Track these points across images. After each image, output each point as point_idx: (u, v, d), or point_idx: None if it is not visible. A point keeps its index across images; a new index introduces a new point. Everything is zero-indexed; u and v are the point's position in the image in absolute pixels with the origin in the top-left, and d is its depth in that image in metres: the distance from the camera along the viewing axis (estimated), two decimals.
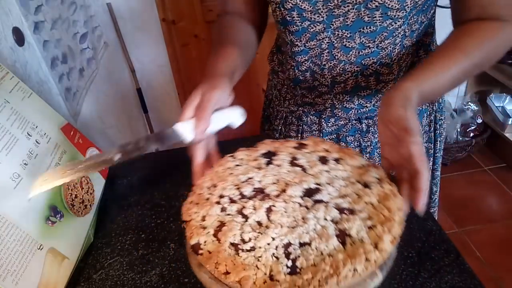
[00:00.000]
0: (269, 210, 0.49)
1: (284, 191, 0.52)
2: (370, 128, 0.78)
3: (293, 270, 0.43)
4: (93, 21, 1.32)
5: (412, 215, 0.57)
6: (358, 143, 0.80)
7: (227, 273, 0.43)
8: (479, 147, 2.10)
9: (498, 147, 2.11)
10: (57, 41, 0.98)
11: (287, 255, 0.44)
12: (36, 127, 0.58)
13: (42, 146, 0.57)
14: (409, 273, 0.49)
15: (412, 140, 0.46)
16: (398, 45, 0.66)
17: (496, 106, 2.06)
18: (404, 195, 0.47)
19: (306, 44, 0.69)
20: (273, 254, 0.44)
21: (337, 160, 0.56)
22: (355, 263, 0.42)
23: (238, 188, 0.53)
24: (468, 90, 2.21)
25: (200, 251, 0.46)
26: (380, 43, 0.65)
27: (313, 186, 0.52)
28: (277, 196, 0.51)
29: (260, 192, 0.52)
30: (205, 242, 0.46)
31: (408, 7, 0.60)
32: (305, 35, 0.68)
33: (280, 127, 0.88)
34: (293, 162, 0.57)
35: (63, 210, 0.56)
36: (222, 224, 0.48)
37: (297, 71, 0.74)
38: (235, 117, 0.58)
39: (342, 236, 0.45)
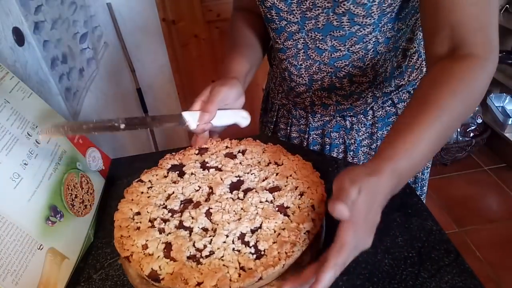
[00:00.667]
0: (208, 214, 0.52)
1: (211, 193, 0.56)
2: (354, 125, 0.79)
3: (259, 254, 0.46)
4: (93, 21, 1.32)
5: (412, 215, 0.57)
6: (342, 140, 0.81)
7: (199, 284, 0.43)
8: (479, 147, 2.10)
9: (498, 147, 2.11)
10: (57, 41, 0.98)
11: (247, 244, 0.47)
12: (36, 127, 0.58)
13: (42, 146, 0.57)
14: (409, 273, 0.49)
15: (347, 223, 0.40)
16: (371, 50, 0.66)
17: (496, 106, 2.06)
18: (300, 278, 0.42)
19: (285, 43, 0.70)
20: (233, 248, 0.47)
21: (242, 152, 0.64)
22: (305, 225, 0.48)
23: (165, 207, 0.54)
24: None
25: (161, 276, 0.45)
26: (351, 47, 0.66)
27: (234, 180, 0.58)
28: (207, 200, 0.55)
29: (188, 202, 0.55)
30: (159, 267, 0.46)
31: (375, 14, 0.60)
32: (283, 34, 0.69)
33: (274, 119, 0.90)
34: (204, 166, 0.62)
35: (63, 210, 0.56)
36: (168, 244, 0.49)
37: (280, 68, 0.77)
38: (239, 117, 0.64)
39: (283, 209, 0.52)
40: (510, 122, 1.96)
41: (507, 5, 1.86)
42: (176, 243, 0.48)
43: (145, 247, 0.49)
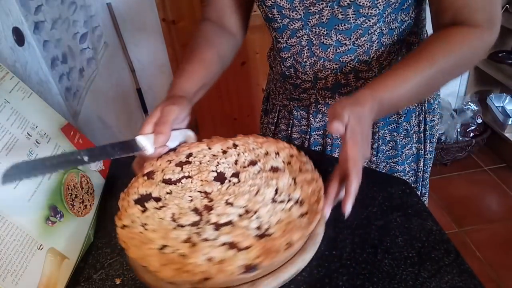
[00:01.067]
0: (229, 204, 0.53)
1: (208, 194, 0.56)
2: None
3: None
4: (93, 21, 1.32)
5: (412, 215, 0.57)
6: (343, 141, 0.80)
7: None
8: (479, 147, 2.10)
9: (498, 147, 2.11)
10: (57, 41, 0.98)
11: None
12: (36, 127, 0.58)
13: (42, 146, 0.57)
14: (409, 273, 0.49)
15: (349, 141, 0.49)
16: (376, 42, 0.67)
17: (496, 106, 2.06)
18: (328, 193, 0.50)
19: (288, 41, 0.70)
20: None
21: (188, 156, 0.63)
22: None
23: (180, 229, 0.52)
24: (468, 90, 2.22)
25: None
26: (356, 40, 0.66)
27: (214, 174, 0.59)
28: (211, 200, 0.55)
29: (198, 213, 0.53)
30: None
31: (380, 4, 0.61)
32: (286, 32, 0.69)
33: (275, 120, 0.90)
34: (171, 182, 0.60)
35: (63, 210, 0.56)
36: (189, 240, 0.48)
37: (283, 66, 0.76)
38: (187, 136, 0.64)
39: (277, 170, 0.57)
40: (510, 122, 1.96)
41: (507, 5, 1.86)
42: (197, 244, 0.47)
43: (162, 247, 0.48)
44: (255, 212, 0.50)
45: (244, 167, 0.59)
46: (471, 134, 2.06)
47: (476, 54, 0.60)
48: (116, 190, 0.71)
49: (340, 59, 0.69)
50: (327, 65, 0.70)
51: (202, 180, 0.58)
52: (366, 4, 0.60)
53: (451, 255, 0.51)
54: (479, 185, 1.98)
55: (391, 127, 0.79)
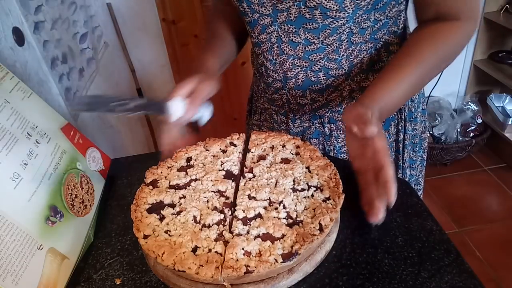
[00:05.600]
0: (251, 198, 0.54)
1: (223, 192, 0.57)
2: (333, 132, 0.78)
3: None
4: (93, 21, 1.32)
5: (412, 215, 0.57)
6: (322, 146, 0.81)
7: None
8: (479, 147, 2.10)
9: (498, 147, 2.11)
10: (57, 41, 0.98)
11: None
12: (36, 127, 0.58)
13: (42, 146, 0.57)
14: (409, 273, 0.49)
15: (373, 134, 0.52)
16: (345, 41, 0.66)
17: (496, 106, 2.06)
18: (375, 198, 0.51)
19: (259, 37, 0.71)
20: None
21: (233, 145, 0.66)
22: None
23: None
24: (468, 90, 2.21)
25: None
26: (325, 39, 0.66)
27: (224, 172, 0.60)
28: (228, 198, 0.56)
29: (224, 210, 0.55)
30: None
31: (349, 8, 0.60)
32: (257, 27, 0.69)
33: (258, 122, 0.91)
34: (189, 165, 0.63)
35: (63, 210, 0.56)
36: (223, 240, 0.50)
37: (256, 63, 0.78)
38: (206, 112, 0.65)
39: (296, 183, 0.57)
40: (510, 122, 1.96)
41: (507, 5, 1.86)
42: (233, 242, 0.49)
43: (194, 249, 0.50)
44: (280, 203, 0.52)
45: (254, 162, 0.61)
46: (471, 134, 2.06)
47: (460, 46, 0.63)
48: (116, 190, 0.71)
49: (309, 57, 0.69)
50: (296, 63, 0.70)
51: (212, 180, 0.58)
52: (333, 8, 0.60)
53: (451, 255, 0.51)
54: (479, 185, 1.98)
55: None
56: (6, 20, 0.77)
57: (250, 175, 0.59)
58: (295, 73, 0.72)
